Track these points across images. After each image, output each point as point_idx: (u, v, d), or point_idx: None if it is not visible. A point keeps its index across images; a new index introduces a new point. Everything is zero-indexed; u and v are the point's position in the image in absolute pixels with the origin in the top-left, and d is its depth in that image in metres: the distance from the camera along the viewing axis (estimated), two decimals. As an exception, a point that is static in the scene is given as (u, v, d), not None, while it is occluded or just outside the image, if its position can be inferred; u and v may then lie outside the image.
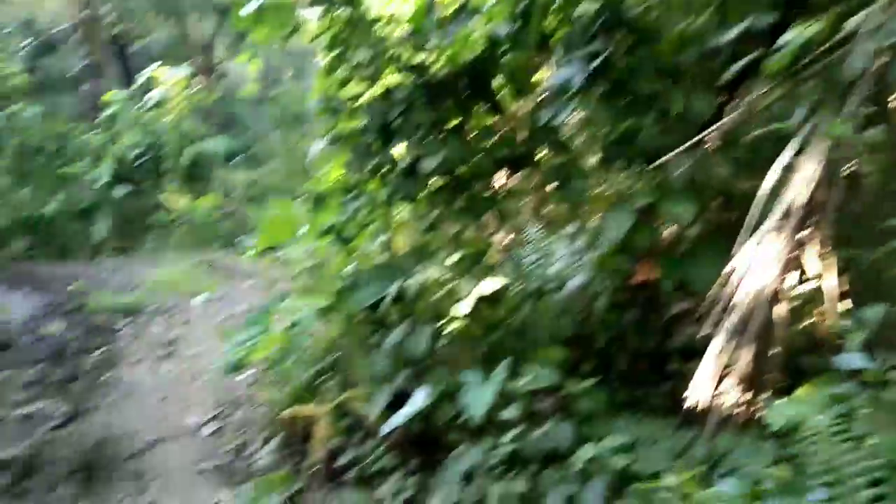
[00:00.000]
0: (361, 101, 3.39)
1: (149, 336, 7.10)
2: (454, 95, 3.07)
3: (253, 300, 8.98)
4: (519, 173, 3.16)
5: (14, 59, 16.15)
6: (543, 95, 3.03)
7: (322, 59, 3.27)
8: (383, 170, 3.09)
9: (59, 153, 13.92)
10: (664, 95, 2.82)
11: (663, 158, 2.49)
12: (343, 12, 2.96)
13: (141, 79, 14.77)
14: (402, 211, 3.33)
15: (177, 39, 22.77)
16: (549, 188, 3.05)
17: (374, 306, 3.05)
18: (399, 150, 3.10)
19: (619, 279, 2.92)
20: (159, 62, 14.90)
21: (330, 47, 3.26)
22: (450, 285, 2.59)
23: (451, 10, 2.97)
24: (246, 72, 28.98)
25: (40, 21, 18.73)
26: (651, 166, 2.63)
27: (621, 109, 2.88)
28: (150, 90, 14.34)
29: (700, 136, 2.40)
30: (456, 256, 2.61)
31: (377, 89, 3.21)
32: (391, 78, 3.25)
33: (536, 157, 3.06)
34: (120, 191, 13.32)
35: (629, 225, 2.65)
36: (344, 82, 3.40)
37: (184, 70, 13.91)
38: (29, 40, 18.02)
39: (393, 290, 2.85)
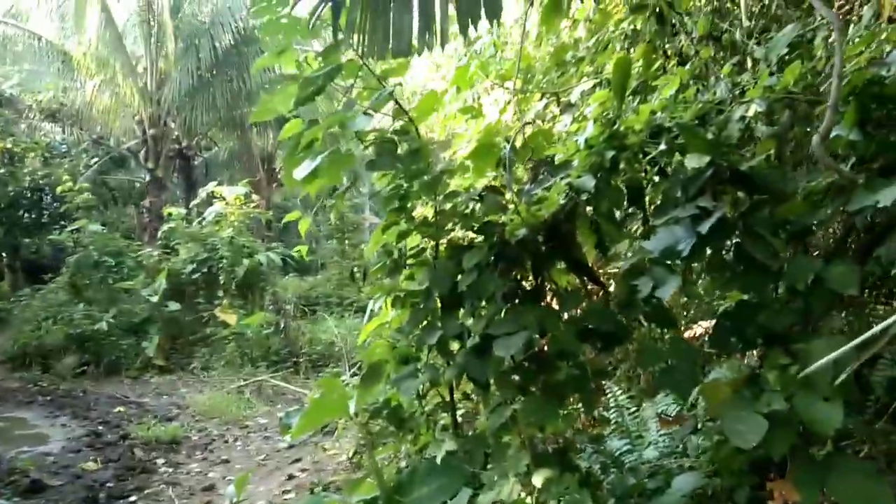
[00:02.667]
0: (423, 257, 2.98)
1: (186, 478, 6.60)
2: (532, 255, 2.62)
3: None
4: (610, 349, 2.65)
5: (83, 176, 16.79)
6: (638, 258, 2.56)
7: (382, 212, 2.90)
8: (447, 342, 2.63)
9: (117, 268, 14.05)
10: (791, 265, 2.31)
11: (816, 365, 1.94)
12: (406, 165, 2.59)
13: (201, 194, 15.05)
14: (472, 392, 2.84)
15: (238, 152, 23.58)
16: (648, 370, 2.53)
17: (435, 511, 2.52)
18: (468, 320, 2.64)
19: (744, 490, 2.33)
20: (221, 177, 15.24)
21: (389, 200, 2.89)
22: (534, 510, 2.05)
23: (530, 166, 2.58)
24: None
25: (110, 138, 19.56)
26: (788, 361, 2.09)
27: (737, 280, 2.38)
28: (209, 205, 14.53)
29: (862, 337, 1.85)
30: (544, 474, 2.08)
31: (442, 248, 2.79)
32: (459, 234, 2.83)
33: (632, 332, 2.56)
34: (173, 306, 13.25)
35: (763, 432, 2.08)
36: (403, 235, 3.00)
37: (242, 187, 14.06)
38: (97, 157, 18.79)
39: (462, 501, 2.32)
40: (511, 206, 2.62)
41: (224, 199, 13.87)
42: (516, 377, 2.50)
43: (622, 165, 2.76)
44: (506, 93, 5.42)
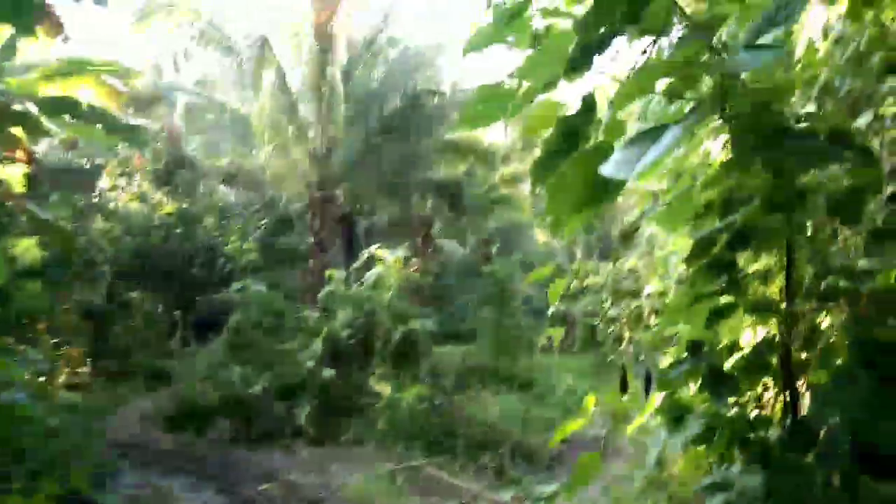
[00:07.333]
0: (764, 360, 1.67)
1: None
2: None
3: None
4: None
5: (252, 237, 17.00)
6: None
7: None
8: None
9: (277, 329, 13.72)
10: None
11: None
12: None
13: (362, 257, 14.55)
14: None
15: (399, 218, 23.43)
16: None
17: None
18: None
19: None
20: (381, 243, 14.74)
21: (703, 252, 1.65)
22: None
23: None
24: (458, 248, 29.26)
25: (280, 202, 19.94)
26: None
27: None
28: (370, 268, 13.96)
29: None
30: None
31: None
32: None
33: None
34: (327, 372, 12.56)
35: None
36: (719, 315, 1.73)
37: (401, 250, 13.40)
38: (265, 219, 19.12)
39: None
40: None
41: (384, 262, 13.25)
42: None
43: None
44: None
